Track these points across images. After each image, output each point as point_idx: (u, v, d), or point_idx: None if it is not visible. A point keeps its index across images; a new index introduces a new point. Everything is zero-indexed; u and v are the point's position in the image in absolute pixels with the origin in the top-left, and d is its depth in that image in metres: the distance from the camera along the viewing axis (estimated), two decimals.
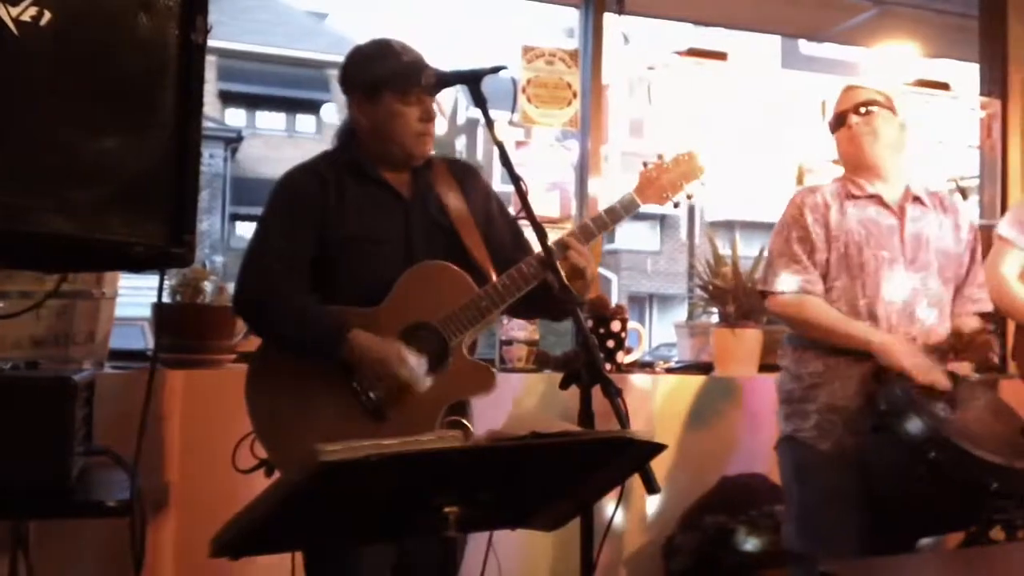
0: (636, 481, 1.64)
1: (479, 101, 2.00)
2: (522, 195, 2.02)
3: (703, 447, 3.66)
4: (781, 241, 2.72)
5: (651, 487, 1.64)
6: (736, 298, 3.80)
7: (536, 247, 2.10)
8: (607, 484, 1.68)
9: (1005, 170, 4.72)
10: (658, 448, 1.54)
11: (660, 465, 1.57)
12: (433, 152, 2.38)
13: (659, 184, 2.33)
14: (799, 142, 4.38)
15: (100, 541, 2.72)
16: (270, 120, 23.32)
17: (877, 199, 2.71)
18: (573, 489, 1.63)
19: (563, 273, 2.04)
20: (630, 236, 22.08)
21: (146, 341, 5.47)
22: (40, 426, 1.87)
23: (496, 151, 2.04)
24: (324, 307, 2.22)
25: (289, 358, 2.21)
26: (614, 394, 1.75)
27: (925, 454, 2.36)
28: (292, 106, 22.88)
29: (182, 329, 3.10)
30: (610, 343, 3.62)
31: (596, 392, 1.80)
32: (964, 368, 2.70)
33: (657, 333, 17.14)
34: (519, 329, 3.58)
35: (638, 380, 3.68)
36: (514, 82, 2.42)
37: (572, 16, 4.33)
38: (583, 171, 4.09)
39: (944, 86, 4.78)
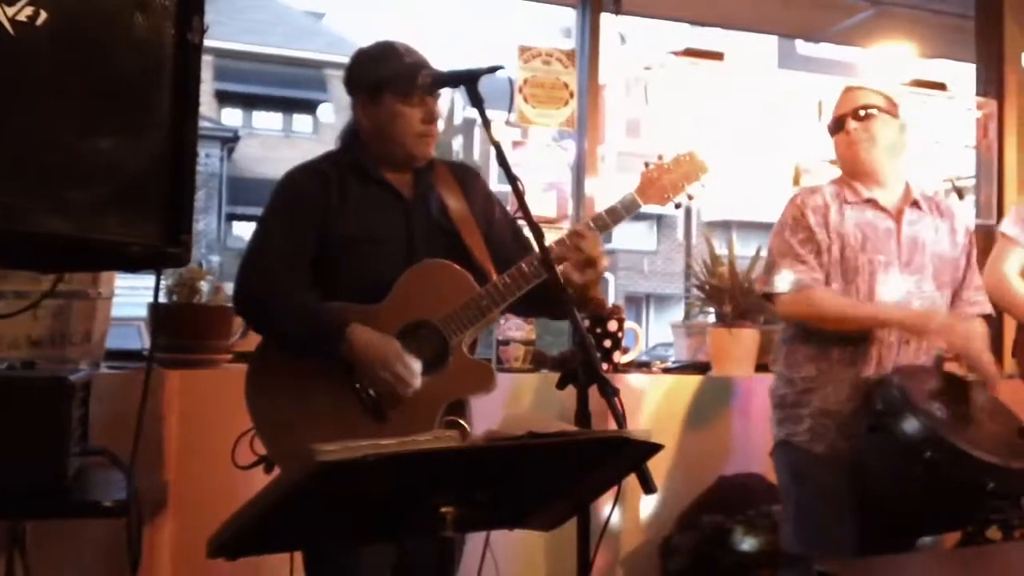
0: (633, 481, 1.64)
1: (476, 101, 2.01)
2: (519, 195, 2.02)
3: (700, 447, 3.66)
4: (783, 241, 2.70)
5: (648, 487, 1.63)
6: (733, 298, 3.80)
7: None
8: (604, 484, 1.68)
9: (1001, 170, 4.73)
10: (655, 448, 1.54)
11: (657, 465, 1.57)
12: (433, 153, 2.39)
13: (660, 184, 2.33)
14: (796, 142, 4.38)
15: (97, 541, 2.72)
16: (267, 120, 23.32)
17: (873, 203, 2.70)
18: (570, 489, 1.63)
19: (574, 264, 2.05)
20: (627, 236, 22.10)
21: (142, 341, 5.46)
22: (36, 426, 1.87)
23: (493, 151, 2.04)
24: (324, 304, 2.22)
25: (289, 356, 2.21)
26: (611, 394, 1.75)
27: (921, 454, 2.36)
28: (289, 106, 22.89)
29: (178, 329, 3.10)
30: (607, 343, 3.62)
31: (593, 392, 1.79)
32: (961, 369, 2.69)
33: (654, 333, 17.16)
34: (516, 329, 3.58)
35: (635, 380, 3.68)
36: (511, 82, 2.42)
37: (569, 16, 4.33)
38: (580, 171, 4.09)
39: (941, 86, 4.79)
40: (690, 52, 4.32)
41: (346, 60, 2.40)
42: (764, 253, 2.93)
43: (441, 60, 2.28)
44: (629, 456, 1.58)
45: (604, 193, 4.04)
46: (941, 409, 2.48)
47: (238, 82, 21.53)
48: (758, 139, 4.35)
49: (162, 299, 3.03)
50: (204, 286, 3.15)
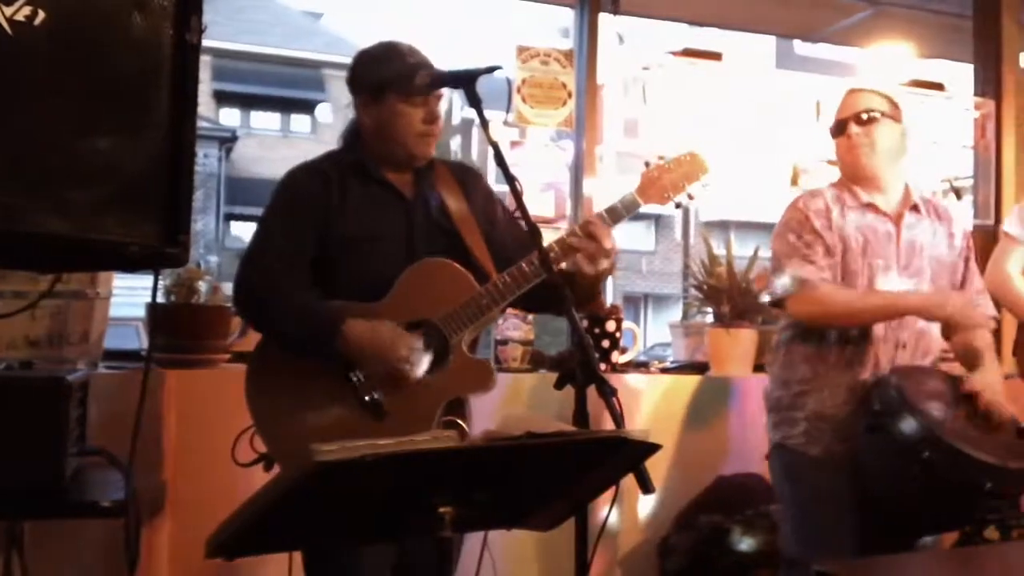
0: (631, 481, 1.64)
1: (474, 101, 2.01)
2: (517, 195, 2.02)
3: (698, 447, 3.66)
4: (787, 243, 2.67)
5: (646, 487, 1.64)
6: (731, 298, 3.80)
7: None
8: (602, 484, 1.68)
9: (999, 170, 4.73)
10: (653, 448, 1.54)
11: (655, 465, 1.57)
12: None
13: (661, 184, 2.33)
14: (794, 142, 4.38)
15: (95, 541, 2.72)
16: (265, 120, 23.31)
17: (873, 207, 2.69)
18: (568, 489, 1.63)
19: (586, 255, 2.09)
20: (625, 236, 21.98)
21: (140, 341, 5.47)
22: (34, 426, 1.87)
23: (491, 151, 2.04)
24: (323, 303, 2.22)
25: (289, 355, 2.21)
26: (609, 394, 1.75)
27: (919, 454, 2.36)
28: (287, 106, 22.88)
29: (176, 329, 3.09)
30: (605, 343, 3.62)
31: (591, 392, 1.80)
32: (959, 368, 2.69)
33: (652, 333, 17.17)
34: (514, 329, 3.58)
35: (633, 380, 3.68)
36: (509, 82, 2.43)
37: (567, 16, 4.34)
38: (578, 171, 4.10)
39: (938, 86, 4.80)
40: (688, 52, 4.33)
41: (344, 60, 2.41)
42: (763, 253, 2.92)
43: (439, 60, 2.29)
44: (627, 456, 1.58)
45: (602, 193, 4.04)
46: (939, 409, 2.48)
47: (236, 82, 21.52)
48: (756, 139, 4.36)
49: (160, 299, 3.03)
50: (202, 286, 3.15)
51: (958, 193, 4.71)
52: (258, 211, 2.34)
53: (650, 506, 3.57)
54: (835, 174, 2.85)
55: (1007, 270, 3.38)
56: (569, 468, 1.58)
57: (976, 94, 4.85)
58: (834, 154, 2.82)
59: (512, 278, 2.20)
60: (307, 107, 22.68)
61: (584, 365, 1.81)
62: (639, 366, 3.96)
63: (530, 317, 3.57)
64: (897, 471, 2.44)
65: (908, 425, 2.41)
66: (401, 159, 2.32)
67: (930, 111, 4.66)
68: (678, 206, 2.38)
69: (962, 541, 3.07)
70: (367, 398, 2.19)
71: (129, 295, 3.18)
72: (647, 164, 2.35)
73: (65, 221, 1.33)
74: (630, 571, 3.55)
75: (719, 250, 4.01)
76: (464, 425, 2.28)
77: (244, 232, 20.61)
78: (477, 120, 2.02)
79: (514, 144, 3.99)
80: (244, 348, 2.87)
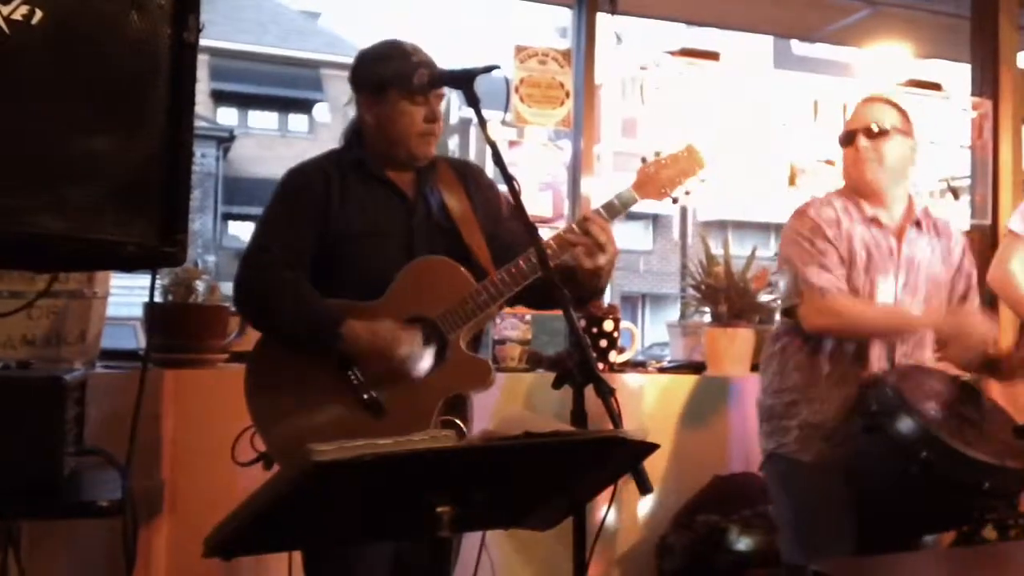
0: (628, 481, 1.64)
1: (472, 101, 2.01)
2: (515, 195, 2.02)
3: (696, 447, 3.66)
4: (803, 250, 2.62)
5: (644, 487, 1.64)
6: (728, 298, 3.80)
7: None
8: (600, 484, 1.68)
9: (996, 170, 4.73)
10: (651, 448, 1.54)
11: (653, 464, 1.57)
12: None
13: (658, 180, 2.32)
14: (791, 142, 4.38)
15: (92, 541, 2.71)
16: (262, 119, 23.31)
17: (876, 222, 2.67)
18: (566, 489, 1.63)
19: (585, 250, 2.10)
20: (622, 235, 22.10)
21: (138, 341, 5.47)
22: (31, 426, 1.86)
23: (489, 151, 2.04)
24: (323, 302, 2.22)
25: (288, 353, 2.22)
26: (607, 393, 1.75)
27: (917, 454, 2.36)
28: (285, 105, 22.87)
29: (174, 329, 3.09)
30: (603, 342, 3.62)
31: (589, 392, 1.79)
32: (955, 368, 2.69)
33: (649, 333, 17.18)
34: (512, 328, 3.58)
35: (631, 380, 3.68)
36: (507, 82, 2.42)
37: (565, 16, 4.34)
38: (576, 171, 4.10)
39: (936, 86, 4.79)
40: (686, 52, 4.32)
41: (342, 60, 2.42)
42: (760, 252, 2.91)
43: (437, 60, 2.29)
44: (625, 456, 1.58)
45: (600, 193, 4.04)
46: (937, 409, 2.48)
47: (234, 81, 21.52)
48: (754, 139, 4.35)
49: (158, 299, 3.03)
50: (200, 286, 3.15)
51: (955, 193, 4.71)
52: (256, 210, 2.34)
53: (648, 506, 3.58)
54: (833, 173, 2.84)
55: (1010, 268, 3.38)
56: (567, 468, 1.58)
57: (973, 94, 4.85)
58: (840, 163, 2.78)
59: (510, 275, 2.20)
60: (305, 107, 22.68)
61: (582, 365, 1.81)
62: (637, 366, 3.96)
63: (528, 317, 3.57)
64: (895, 471, 2.44)
65: (905, 425, 2.41)
66: (402, 158, 2.32)
67: (927, 111, 4.66)
68: (675, 201, 2.37)
69: (960, 541, 3.07)
70: (366, 396, 2.19)
71: (126, 295, 3.19)
72: (643, 160, 2.34)
73: (62, 220, 1.32)
74: (628, 571, 3.56)
75: (717, 250, 4.01)
76: (462, 425, 2.28)
77: (242, 232, 20.62)
78: (475, 119, 2.01)
79: (512, 144, 3.99)
80: (242, 348, 2.87)
